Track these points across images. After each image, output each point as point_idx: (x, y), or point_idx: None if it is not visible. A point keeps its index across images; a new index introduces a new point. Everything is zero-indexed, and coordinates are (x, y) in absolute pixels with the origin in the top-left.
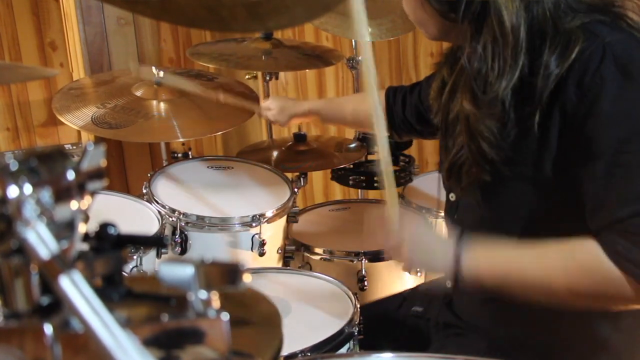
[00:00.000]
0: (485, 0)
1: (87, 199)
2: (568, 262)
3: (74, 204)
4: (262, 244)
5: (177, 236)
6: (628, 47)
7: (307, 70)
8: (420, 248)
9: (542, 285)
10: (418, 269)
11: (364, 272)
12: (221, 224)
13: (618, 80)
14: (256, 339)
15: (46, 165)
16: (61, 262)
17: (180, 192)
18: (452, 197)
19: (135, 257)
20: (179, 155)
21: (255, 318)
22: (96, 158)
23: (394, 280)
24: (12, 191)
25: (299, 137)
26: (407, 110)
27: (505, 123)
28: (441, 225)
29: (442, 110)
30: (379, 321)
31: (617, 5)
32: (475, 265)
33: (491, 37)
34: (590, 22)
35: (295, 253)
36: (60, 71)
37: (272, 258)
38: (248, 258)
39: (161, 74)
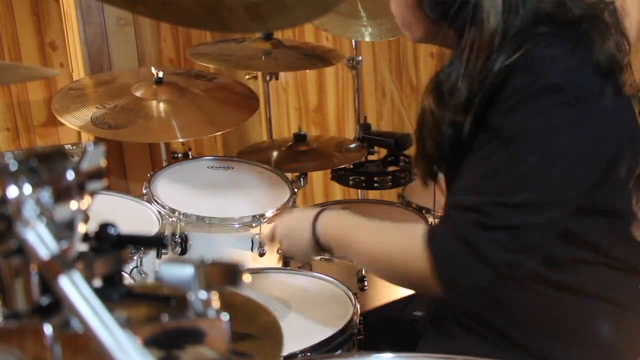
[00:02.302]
0: (474, 7)
1: (87, 199)
2: (391, 237)
3: (73, 204)
4: (262, 244)
5: (177, 236)
6: (546, 57)
7: (307, 70)
8: (287, 228)
9: (366, 253)
10: (290, 253)
11: (364, 272)
12: (221, 224)
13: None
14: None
15: (46, 165)
16: (61, 262)
17: (180, 192)
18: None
19: (135, 257)
20: (179, 155)
21: (256, 331)
22: (96, 158)
23: None
24: (12, 191)
25: (299, 137)
26: None
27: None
28: None
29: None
30: (380, 323)
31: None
32: (324, 231)
33: (470, 42)
34: (540, 34)
35: None
36: (60, 71)
37: (272, 258)
38: (248, 258)
39: None
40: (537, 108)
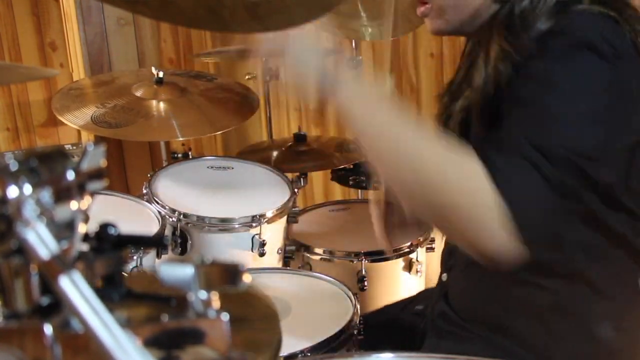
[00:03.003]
0: None
1: (87, 199)
2: (446, 153)
3: (74, 204)
4: (262, 244)
5: (177, 236)
6: (584, 20)
7: None
8: (299, 48)
9: (404, 159)
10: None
11: (364, 272)
12: (221, 224)
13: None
14: (254, 337)
15: (46, 166)
16: (61, 263)
17: (180, 192)
18: None
19: (135, 257)
20: (179, 155)
21: (254, 316)
22: (96, 158)
23: (394, 280)
24: (12, 191)
25: (299, 137)
26: None
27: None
28: None
29: (444, 113)
30: (380, 323)
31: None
32: (350, 102)
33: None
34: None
35: (295, 253)
36: (60, 71)
37: (272, 258)
38: (248, 258)
39: None
40: (575, 61)
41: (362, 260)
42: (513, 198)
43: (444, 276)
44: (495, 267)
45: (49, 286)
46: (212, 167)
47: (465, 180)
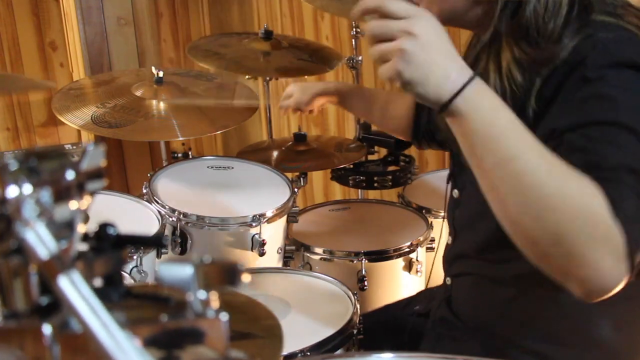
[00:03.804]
0: None
1: (86, 199)
2: (570, 179)
3: (73, 204)
4: (262, 244)
5: (177, 236)
6: (620, 41)
7: None
8: (426, 50)
9: (526, 173)
10: (403, 79)
11: (364, 272)
12: (221, 224)
13: (604, 68)
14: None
15: (46, 165)
16: (60, 262)
17: (180, 192)
18: (455, 193)
19: (135, 257)
20: (179, 155)
21: (257, 331)
22: (96, 158)
23: (394, 280)
24: (12, 191)
25: (299, 137)
26: (433, 121)
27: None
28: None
29: None
30: (380, 323)
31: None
32: (478, 104)
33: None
34: (602, 21)
35: (295, 253)
36: (60, 71)
37: (272, 258)
38: (248, 258)
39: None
40: (618, 79)
41: (362, 260)
42: (629, 228)
43: (448, 280)
44: (588, 296)
45: (48, 286)
46: (212, 167)
47: (588, 210)
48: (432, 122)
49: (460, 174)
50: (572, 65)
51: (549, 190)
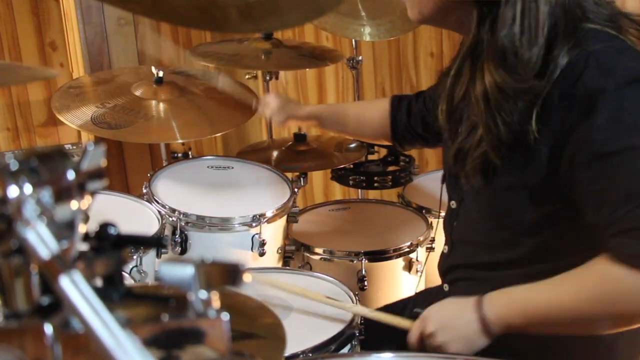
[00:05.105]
0: None
1: (87, 199)
2: (582, 291)
3: (74, 204)
4: (262, 244)
5: (177, 236)
6: (612, 53)
7: (307, 70)
8: (444, 320)
9: (564, 318)
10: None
11: (364, 272)
12: (221, 224)
13: (603, 86)
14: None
15: (46, 165)
16: (61, 262)
17: (180, 192)
18: (452, 204)
19: (135, 257)
20: (179, 155)
21: (259, 331)
22: (96, 158)
23: (393, 280)
24: (12, 191)
25: (299, 137)
26: (412, 118)
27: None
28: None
29: (448, 96)
30: (380, 323)
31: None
32: (499, 315)
33: (520, 8)
34: (593, 30)
35: (295, 253)
36: (60, 71)
37: (272, 258)
38: (248, 258)
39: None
40: (628, 99)
41: (362, 260)
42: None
43: (446, 287)
44: None
45: (49, 286)
46: (212, 167)
47: (607, 297)
48: (414, 121)
49: (455, 184)
50: (569, 82)
51: (586, 310)
